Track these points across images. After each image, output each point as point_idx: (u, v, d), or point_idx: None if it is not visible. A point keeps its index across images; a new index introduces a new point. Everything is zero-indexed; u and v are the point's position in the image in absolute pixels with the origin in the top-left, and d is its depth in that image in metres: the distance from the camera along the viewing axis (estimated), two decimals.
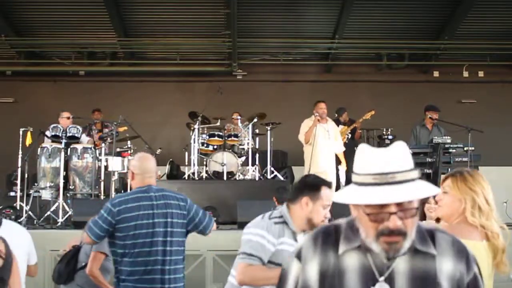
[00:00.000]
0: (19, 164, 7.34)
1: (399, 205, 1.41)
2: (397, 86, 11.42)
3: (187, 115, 8.96)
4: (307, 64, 11.71)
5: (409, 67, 11.49)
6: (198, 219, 3.33)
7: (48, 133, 7.41)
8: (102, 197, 7.33)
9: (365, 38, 11.05)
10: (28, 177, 7.51)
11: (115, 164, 7.40)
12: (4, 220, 3.26)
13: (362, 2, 10.10)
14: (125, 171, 7.44)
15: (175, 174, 9.20)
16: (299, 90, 11.27)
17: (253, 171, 8.48)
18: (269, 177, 8.65)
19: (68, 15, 10.43)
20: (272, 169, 8.76)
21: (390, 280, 1.47)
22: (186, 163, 9.03)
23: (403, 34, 10.97)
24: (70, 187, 7.22)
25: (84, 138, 7.96)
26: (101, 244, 3.48)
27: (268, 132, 8.89)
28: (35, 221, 6.84)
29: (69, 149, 7.22)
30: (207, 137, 8.60)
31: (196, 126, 8.53)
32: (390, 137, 9.49)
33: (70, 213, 6.75)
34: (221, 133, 8.63)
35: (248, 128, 8.64)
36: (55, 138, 7.34)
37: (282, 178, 8.62)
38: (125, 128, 8.40)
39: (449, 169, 7.57)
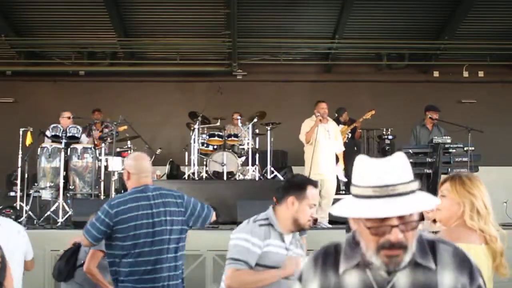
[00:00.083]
0: (19, 164, 7.35)
1: (400, 218, 1.39)
2: (397, 86, 11.43)
3: (187, 115, 8.96)
4: (307, 64, 11.71)
5: (409, 67, 11.50)
6: (197, 213, 3.34)
7: (48, 133, 7.41)
8: (102, 197, 7.34)
9: (365, 38, 11.05)
10: (28, 177, 7.51)
11: (115, 164, 7.39)
12: (0, 218, 3.27)
13: (362, 2, 10.10)
14: None
15: (175, 174, 9.20)
16: (299, 90, 11.27)
17: (253, 171, 8.48)
18: (269, 177, 8.65)
19: (68, 15, 10.43)
20: (272, 169, 8.76)
21: None
22: (186, 163, 9.03)
23: (403, 34, 10.97)
24: (70, 187, 7.22)
25: (84, 138, 7.97)
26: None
27: (268, 132, 8.90)
28: (35, 221, 6.85)
29: (69, 149, 7.22)
30: (207, 137, 8.60)
31: (196, 126, 8.54)
32: (390, 137, 9.49)
33: (70, 213, 6.76)
34: (221, 133, 8.63)
35: (248, 128, 8.65)
36: (55, 138, 7.35)
37: (282, 178, 8.62)
38: (125, 127, 8.40)
39: (449, 169, 7.58)
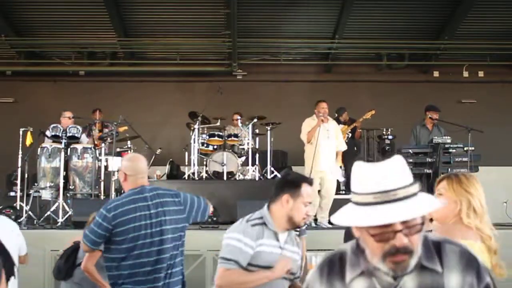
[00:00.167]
0: (19, 164, 7.35)
1: (404, 222, 1.38)
2: (397, 86, 11.42)
3: (187, 115, 8.96)
4: (307, 64, 11.71)
5: (409, 67, 11.49)
6: (195, 209, 3.35)
7: (48, 133, 7.41)
8: (102, 197, 7.35)
9: (365, 38, 11.05)
10: (28, 177, 7.51)
11: (115, 164, 7.39)
12: None
13: (362, 2, 10.09)
14: None
15: (175, 174, 9.20)
16: (299, 90, 11.27)
17: (253, 171, 8.49)
18: (269, 177, 8.65)
19: (68, 15, 10.43)
20: (272, 169, 8.77)
21: None
22: (186, 163, 9.03)
23: (403, 34, 10.97)
24: (70, 187, 7.23)
25: (84, 138, 7.98)
26: None
27: (268, 132, 8.90)
28: (35, 221, 6.85)
29: (69, 149, 7.23)
30: (207, 137, 8.60)
31: (196, 126, 8.54)
32: (390, 137, 9.49)
33: (70, 213, 6.76)
34: (221, 133, 8.64)
35: (248, 128, 8.65)
36: (55, 138, 7.35)
37: None
38: (125, 128, 8.40)
39: (449, 169, 7.58)
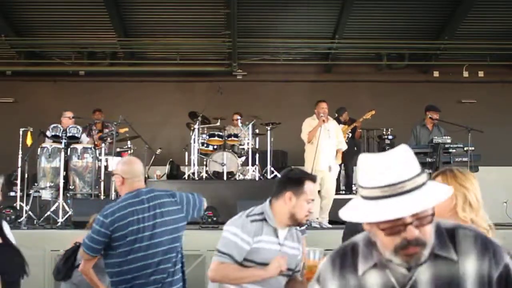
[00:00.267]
0: (19, 164, 7.34)
1: (414, 214, 1.35)
2: (397, 86, 11.42)
3: (187, 115, 8.97)
4: (307, 64, 11.71)
5: (409, 67, 11.49)
6: (192, 206, 3.36)
7: (48, 133, 7.41)
8: (102, 197, 7.34)
9: (365, 38, 11.05)
10: (28, 177, 7.51)
11: (115, 164, 7.39)
12: None
13: (362, 2, 10.10)
14: None
15: (175, 174, 9.20)
16: (299, 90, 11.27)
17: (253, 171, 8.49)
18: (269, 177, 8.66)
19: (68, 15, 10.43)
20: (272, 169, 8.77)
21: None
22: (186, 163, 9.04)
23: (403, 34, 10.97)
24: (70, 187, 7.23)
25: (84, 138, 7.97)
26: None
27: (268, 132, 8.90)
28: (35, 221, 6.84)
29: (69, 149, 7.22)
30: (207, 137, 8.61)
31: (196, 126, 8.54)
32: (390, 137, 9.49)
33: (70, 213, 6.76)
34: (221, 133, 8.64)
35: (248, 128, 8.65)
36: (55, 138, 7.34)
37: None
38: (126, 129, 8.41)
39: None
